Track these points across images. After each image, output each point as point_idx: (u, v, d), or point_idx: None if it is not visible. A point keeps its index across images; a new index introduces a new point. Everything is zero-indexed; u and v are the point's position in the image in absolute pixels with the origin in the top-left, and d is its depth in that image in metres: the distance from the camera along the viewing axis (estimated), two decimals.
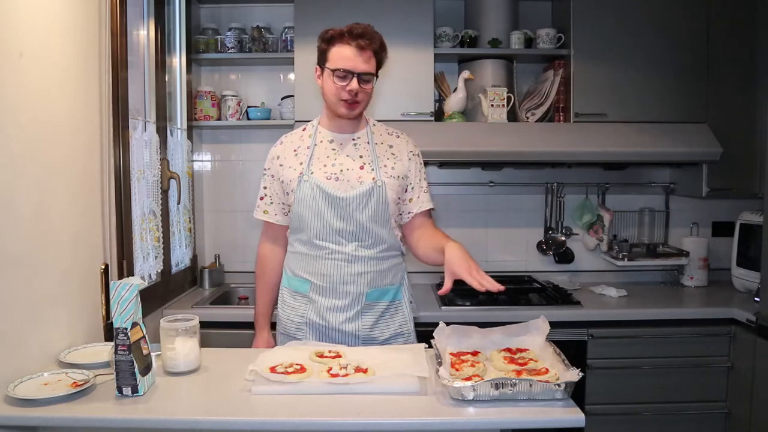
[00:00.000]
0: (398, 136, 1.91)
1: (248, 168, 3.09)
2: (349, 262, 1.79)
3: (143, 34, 2.44)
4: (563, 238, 3.03)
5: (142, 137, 2.31)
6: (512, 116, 2.78)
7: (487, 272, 3.18)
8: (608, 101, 2.70)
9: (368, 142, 1.85)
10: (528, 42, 2.81)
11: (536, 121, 2.79)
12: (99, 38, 1.90)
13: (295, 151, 1.86)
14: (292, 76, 2.95)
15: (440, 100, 2.91)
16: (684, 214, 3.07)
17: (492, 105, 2.72)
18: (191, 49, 2.85)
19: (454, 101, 2.78)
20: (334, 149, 1.84)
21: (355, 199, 1.77)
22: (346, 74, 1.72)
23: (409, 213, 1.88)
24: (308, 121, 1.95)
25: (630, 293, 2.76)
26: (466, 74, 2.76)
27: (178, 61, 2.76)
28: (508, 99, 2.74)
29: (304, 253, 1.83)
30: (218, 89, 2.98)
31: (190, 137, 2.87)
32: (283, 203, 1.88)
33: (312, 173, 1.79)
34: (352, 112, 1.78)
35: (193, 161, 2.93)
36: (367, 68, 1.73)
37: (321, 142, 1.85)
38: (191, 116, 2.89)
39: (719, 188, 2.74)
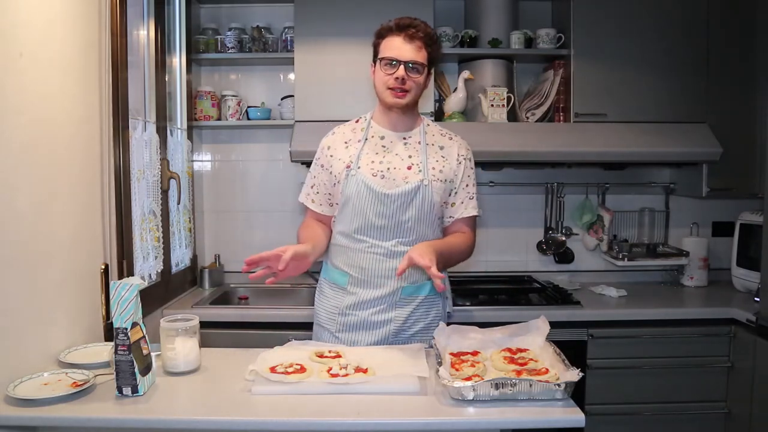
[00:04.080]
0: (451, 138, 1.90)
1: (248, 168, 3.09)
2: (387, 257, 1.80)
3: (143, 34, 2.44)
4: (563, 238, 3.02)
5: (142, 137, 2.31)
6: (512, 116, 2.78)
7: (487, 272, 3.20)
8: (608, 101, 2.70)
9: (419, 142, 1.85)
10: (528, 42, 2.81)
11: (536, 121, 2.79)
12: (99, 38, 1.90)
13: (345, 143, 1.87)
14: (292, 76, 2.94)
15: (440, 100, 2.91)
16: (684, 214, 3.06)
17: (492, 105, 2.72)
18: (191, 49, 2.85)
19: (454, 101, 2.78)
20: (384, 146, 1.84)
21: (399, 197, 1.77)
22: (392, 61, 1.74)
23: (450, 217, 1.88)
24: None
25: (630, 293, 2.75)
26: (466, 74, 2.76)
27: (178, 61, 2.76)
28: (508, 99, 2.74)
29: (344, 246, 1.84)
30: (218, 89, 2.98)
31: (190, 137, 2.87)
32: (330, 194, 1.89)
33: (359, 168, 1.80)
34: (399, 101, 1.77)
35: (193, 161, 2.93)
36: (415, 57, 1.73)
37: (372, 137, 1.86)
38: (191, 116, 2.89)
39: (719, 188, 2.74)
